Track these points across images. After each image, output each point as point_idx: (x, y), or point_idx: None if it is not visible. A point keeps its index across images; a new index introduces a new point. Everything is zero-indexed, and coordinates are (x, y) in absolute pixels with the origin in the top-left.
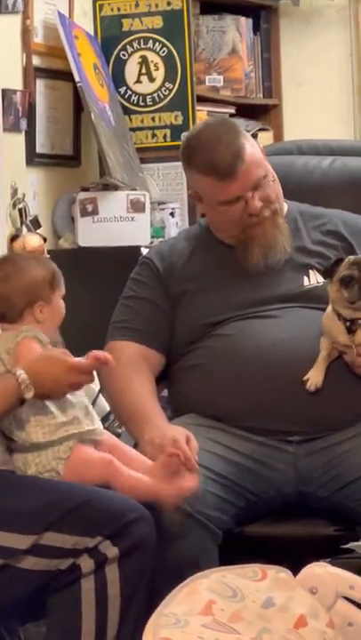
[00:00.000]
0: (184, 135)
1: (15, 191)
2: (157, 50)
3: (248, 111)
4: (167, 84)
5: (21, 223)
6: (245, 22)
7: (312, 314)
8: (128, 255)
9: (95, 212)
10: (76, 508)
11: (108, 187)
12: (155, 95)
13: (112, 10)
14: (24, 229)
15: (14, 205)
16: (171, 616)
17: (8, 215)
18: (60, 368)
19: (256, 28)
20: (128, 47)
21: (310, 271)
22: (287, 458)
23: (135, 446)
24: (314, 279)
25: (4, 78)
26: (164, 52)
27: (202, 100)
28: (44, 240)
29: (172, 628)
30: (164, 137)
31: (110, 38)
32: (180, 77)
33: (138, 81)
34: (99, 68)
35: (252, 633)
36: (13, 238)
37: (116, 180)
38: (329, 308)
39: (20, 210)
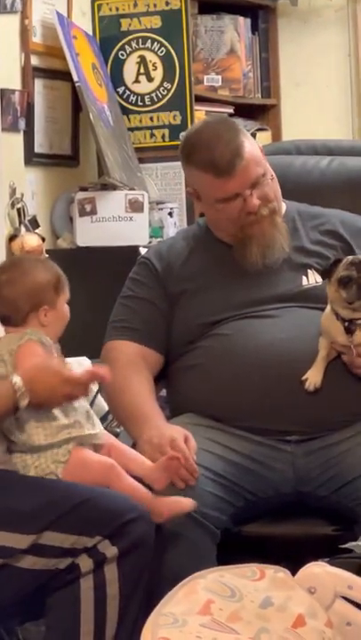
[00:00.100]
0: (183, 134)
1: (14, 191)
2: (156, 50)
3: (246, 111)
4: (165, 84)
5: (20, 223)
6: (244, 22)
7: (311, 314)
8: (126, 255)
9: (93, 211)
10: (75, 508)
11: (107, 186)
12: (153, 95)
13: (110, 10)
14: (22, 229)
15: (13, 205)
16: (169, 615)
17: (6, 215)
18: (57, 379)
19: (254, 28)
20: (126, 47)
21: (309, 271)
22: (286, 457)
23: (134, 446)
24: (312, 279)
25: (2, 78)
26: (162, 52)
27: (200, 99)
28: (43, 240)
29: (171, 628)
30: (163, 137)
31: (109, 38)
32: (178, 77)
33: (136, 81)
34: (97, 67)
35: (250, 633)
36: (12, 238)
37: (115, 180)
38: (328, 308)
39: (18, 210)
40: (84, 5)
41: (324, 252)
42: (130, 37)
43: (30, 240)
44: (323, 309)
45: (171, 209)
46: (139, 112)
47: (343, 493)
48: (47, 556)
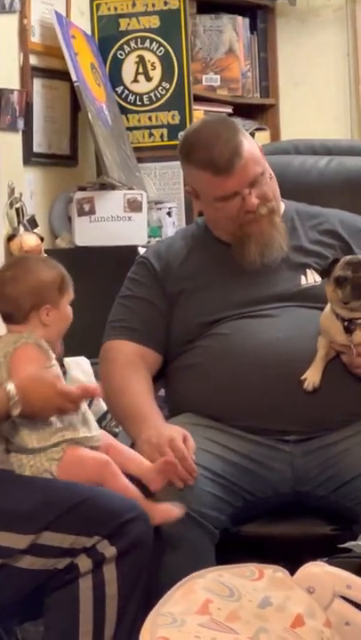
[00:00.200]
0: (182, 133)
1: (12, 190)
2: (154, 49)
3: (245, 111)
4: (164, 84)
5: (18, 223)
6: (242, 22)
7: (309, 313)
8: (125, 255)
9: (92, 211)
10: (74, 508)
11: (105, 186)
12: (152, 94)
13: (109, 9)
14: (21, 229)
15: (11, 205)
16: (168, 615)
17: (5, 215)
18: (50, 390)
19: (253, 28)
20: (125, 47)
21: (307, 270)
22: (284, 457)
23: (132, 446)
24: (311, 278)
25: (1, 78)
26: (161, 52)
27: (199, 99)
28: (42, 239)
29: (169, 628)
30: (161, 136)
31: (107, 38)
32: (176, 77)
33: (135, 80)
34: (96, 67)
35: (249, 632)
36: (10, 238)
37: (113, 180)
38: (327, 308)
39: (17, 209)
40: (82, 5)
41: (323, 252)
42: (128, 37)
43: (29, 240)
44: (321, 309)
45: (169, 209)
46: (137, 112)
47: (342, 493)
48: (46, 556)
